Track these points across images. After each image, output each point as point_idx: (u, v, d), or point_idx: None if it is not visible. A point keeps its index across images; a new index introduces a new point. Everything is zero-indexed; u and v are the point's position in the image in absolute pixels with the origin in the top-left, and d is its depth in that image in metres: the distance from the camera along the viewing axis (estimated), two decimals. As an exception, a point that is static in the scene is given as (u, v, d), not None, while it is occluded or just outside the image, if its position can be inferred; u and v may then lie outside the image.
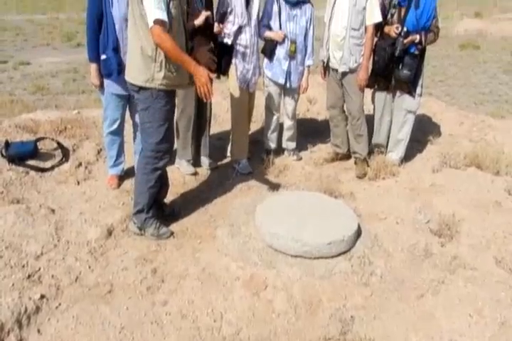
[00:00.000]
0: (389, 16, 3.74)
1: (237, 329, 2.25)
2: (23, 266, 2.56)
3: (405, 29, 3.60)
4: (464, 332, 2.11)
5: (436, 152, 4.42)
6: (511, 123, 5.40)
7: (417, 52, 3.72)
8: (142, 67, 2.63)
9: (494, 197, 3.42)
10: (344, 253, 2.79)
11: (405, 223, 3.22)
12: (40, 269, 2.57)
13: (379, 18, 3.68)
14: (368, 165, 4.07)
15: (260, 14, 3.79)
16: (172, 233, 3.04)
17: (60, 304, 2.36)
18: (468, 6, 24.47)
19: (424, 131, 4.95)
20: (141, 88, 2.68)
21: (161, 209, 3.20)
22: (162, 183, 3.10)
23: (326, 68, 4.04)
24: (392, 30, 3.63)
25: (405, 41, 3.60)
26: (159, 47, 2.52)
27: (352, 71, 3.83)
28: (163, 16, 2.44)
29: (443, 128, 5.17)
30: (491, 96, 7.95)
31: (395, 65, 3.76)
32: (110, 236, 2.97)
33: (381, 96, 4.04)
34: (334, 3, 3.77)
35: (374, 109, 4.18)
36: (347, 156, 4.37)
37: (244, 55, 3.68)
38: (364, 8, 3.64)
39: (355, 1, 3.64)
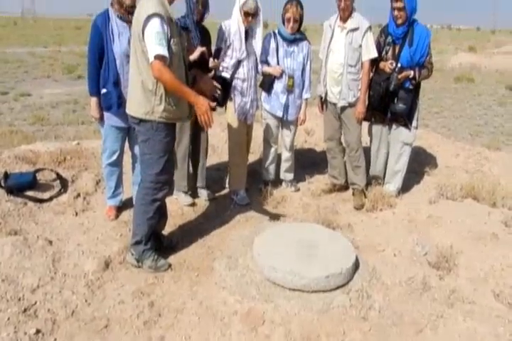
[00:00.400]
0: (384, 53, 3.88)
1: (235, 366, 2.21)
2: (19, 300, 2.54)
3: (399, 65, 3.73)
4: (465, 369, 2.08)
5: (433, 183, 4.46)
6: (507, 155, 5.49)
7: (411, 87, 3.83)
8: (142, 100, 2.69)
9: (491, 229, 3.43)
10: (342, 286, 2.77)
11: (403, 255, 3.22)
12: (36, 303, 2.54)
13: (375, 54, 3.81)
14: (366, 197, 4.10)
15: (260, 49, 3.86)
16: (170, 265, 3.01)
17: (55, 339, 2.32)
18: (462, 41, 25.18)
19: (420, 163, 5.01)
20: (141, 120, 2.74)
21: (159, 241, 3.19)
22: (161, 214, 3.10)
23: (324, 102, 4.14)
24: (387, 65, 3.76)
25: (399, 76, 3.71)
26: (159, 80, 2.58)
27: (351, 105, 3.94)
28: (164, 52, 2.52)
29: (439, 159, 5.24)
30: (487, 128, 8.10)
31: (390, 99, 3.85)
32: (107, 269, 2.95)
33: (377, 129, 4.12)
34: (330, 40, 3.89)
35: (370, 142, 4.25)
36: (345, 187, 4.41)
37: (242, 88, 3.77)
38: (360, 46, 3.77)
39: (351, 38, 3.76)
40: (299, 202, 4.19)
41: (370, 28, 3.79)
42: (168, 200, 3.91)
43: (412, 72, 3.73)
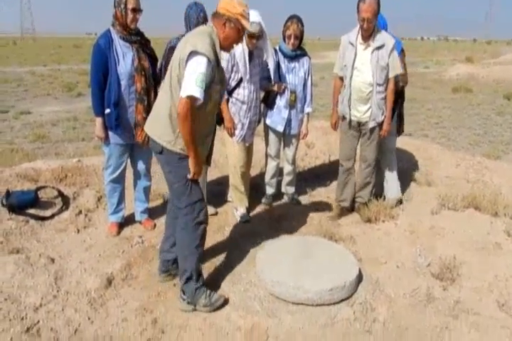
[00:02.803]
0: None
1: (239, 382, 2.19)
2: (22, 319, 2.53)
3: None
4: (471, 382, 2.06)
5: (434, 194, 4.45)
6: (506, 164, 5.49)
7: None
8: (168, 126, 2.58)
9: (494, 239, 3.42)
10: (346, 299, 2.76)
11: (406, 267, 3.21)
12: (39, 322, 2.53)
13: (400, 69, 3.76)
14: (369, 209, 4.09)
15: (272, 68, 3.89)
16: (225, 299, 2.77)
17: (58, 358, 2.32)
18: (459, 52, 25.41)
19: (421, 173, 5.02)
20: (163, 149, 2.62)
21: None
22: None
23: (343, 120, 4.00)
24: None
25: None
26: (178, 119, 2.47)
27: (379, 124, 3.88)
28: (200, 95, 2.40)
29: (440, 169, 5.24)
30: (486, 137, 8.12)
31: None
32: (110, 286, 2.94)
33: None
34: (354, 60, 3.73)
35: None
36: (351, 208, 4.25)
37: (240, 110, 3.76)
38: (387, 64, 3.67)
39: (377, 57, 3.65)
40: (301, 216, 4.19)
41: (395, 45, 3.70)
42: (169, 216, 3.95)
43: None
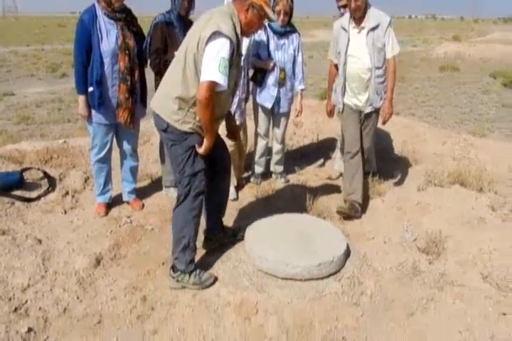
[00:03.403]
0: None
1: (229, 355, 2.22)
2: (10, 299, 2.52)
3: None
4: (455, 349, 2.12)
5: (420, 171, 4.49)
6: (492, 141, 5.56)
7: None
8: (176, 106, 2.49)
9: (478, 214, 3.48)
10: (334, 274, 2.79)
11: (393, 242, 3.26)
12: (27, 302, 2.52)
13: (399, 48, 3.56)
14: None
15: (249, 49, 3.79)
16: (215, 278, 2.75)
17: (48, 337, 2.32)
18: (446, 30, 25.34)
19: (408, 151, 5.05)
20: (168, 126, 2.55)
21: (222, 231, 3.16)
22: (220, 202, 3.06)
23: (343, 112, 3.76)
24: None
25: None
26: (198, 104, 2.39)
27: (376, 110, 3.69)
28: (223, 82, 2.33)
29: (427, 147, 5.28)
30: (472, 116, 8.17)
31: None
32: (99, 265, 2.94)
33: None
34: (347, 46, 3.53)
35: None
36: (364, 216, 3.77)
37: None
38: (384, 44, 3.47)
39: (372, 39, 3.44)
40: (290, 194, 4.20)
41: (390, 22, 3.48)
42: (157, 195, 3.94)
43: None
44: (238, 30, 2.44)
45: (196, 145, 2.59)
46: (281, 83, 4.01)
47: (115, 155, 3.73)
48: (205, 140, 2.57)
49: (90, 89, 3.22)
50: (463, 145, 5.23)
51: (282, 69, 3.97)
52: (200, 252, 3.14)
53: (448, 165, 4.52)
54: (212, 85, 2.32)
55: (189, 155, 2.60)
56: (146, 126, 5.54)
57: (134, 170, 3.77)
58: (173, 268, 2.75)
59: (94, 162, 3.54)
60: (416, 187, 4.13)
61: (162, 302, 2.60)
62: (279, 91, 4.04)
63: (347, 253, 2.97)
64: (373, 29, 3.44)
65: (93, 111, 3.32)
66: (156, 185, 4.11)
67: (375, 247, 3.20)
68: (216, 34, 2.31)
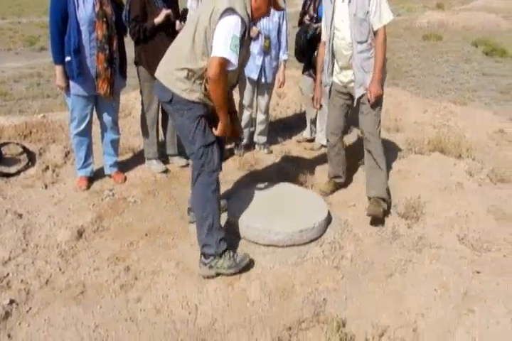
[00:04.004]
0: (307, 7, 4.00)
1: (212, 319, 2.27)
2: (-9, 273, 2.52)
3: (319, 16, 3.79)
4: (430, 305, 2.20)
5: (402, 139, 4.53)
6: (472, 109, 5.59)
7: None
8: (184, 77, 2.44)
9: (456, 179, 3.54)
10: (315, 239, 2.85)
11: (374, 208, 3.29)
12: (8, 274, 2.52)
13: (390, 16, 3.03)
14: (385, 209, 3.23)
15: None
16: (251, 259, 2.61)
17: (30, 308, 2.33)
18: (429, -2, 24.93)
19: (390, 119, 5.07)
20: (174, 97, 2.48)
21: None
22: None
23: (330, 93, 3.42)
24: (306, 17, 3.90)
25: (315, 26, 3.84)
26: (210, 82, 2.35)
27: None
28: (234, 60, 2.31)
29: (408, 116, 5.30)
30: (454, 85, 8.18)
31: (311, 52, 4.01)
32: (81, 238, 2.94)
33: (307, 81, 4.31)
34: (332, 19, 3.14)
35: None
36: (345, 184, 3.74)
37: None
38: (366, 13, 2.97)
39: (356, 8, 2.98)
40: (273, 164, 4.21)
41: None
42: (140, 168, 3.91)
43: None
44: (249, 12, 2.40)
45: (213, 129, 2.56)
46: (266, 51, 3.96)
47: (96, 129, 3.67)
48: (220, 119, 2.52)
49: (68, 58, 3.13)
50: (443, 113, 5.27)
51: (267, 37, 3.90)
52: (182, 220, 3.16)
53: (428, 133, 4.56)
54: (224, 62, 2.30)
55: (198, 125, 2.52)
56: (128, 98, 5.46)
57: (115, 143, 3.72)
58: (204, 254, 2.57)
59: (74, 135, 3.48)
60: (397, 154, 4.17)
61: (145, 272, 2.62)
62: (263, 60, 3.99)
63: (328, 220, 3.02)
64: None
65: (71, 83, 3.24)
66: (138, 158, 4.07)
67: (357, 214, 3.26)
68: (229, 11, 2.28)
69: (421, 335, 2.09)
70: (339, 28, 3.11)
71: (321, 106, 3.62)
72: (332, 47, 3.21)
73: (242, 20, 2.32)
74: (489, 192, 3.38)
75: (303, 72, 4.43)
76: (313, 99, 3.59)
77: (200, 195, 2.58)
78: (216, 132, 2.57)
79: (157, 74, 2.60)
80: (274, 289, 2.43)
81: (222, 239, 2.57)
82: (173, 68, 2.47)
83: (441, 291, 2.24)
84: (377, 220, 3.12)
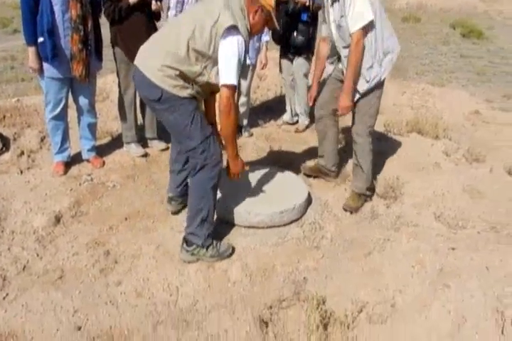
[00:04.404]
0: None
1: (194, 301, 2.28)
2: (-35, 260, 2.47)
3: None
4: (408, 282, 2.24)
5: (380, 121, 4.54)
6: (449, 90, 5.65)
7: (309, 20, 4.05)
8: (175, 74, 2.30)
9: (434, 160, 3.60)
10: (296, 220, 2.87)
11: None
12: (-17, 261, 2.48)
13: (368, 17, 2.68)
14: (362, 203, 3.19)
15: None
16: (233, 248, 2.62)
17: (7, 294, 2.29)
18: (408, -20, 24.80)
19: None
20: (163, 95, 2.32)
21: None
22: None
23: (328, 78, 3.27)
24: None
25: (296, 1, 3.92)
26: (220, 116, 2.29)
27: (363, 95, 2.98)
28: (236, 82, 2.27)
29: (387, 98, 5.29)
30: (432, 67, 8.23)
31: (291, 33, 4.11)
32: (59, 223, 2.90)
33: (286, 63, 4.41)
34: (328, 19, 2.97)
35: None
36: (334, 174, 3.53)
37: None
38: (342, 17, 2.75)
39: (339, 11, 2.76)
40: (253, 147, 4.19)
41: None
42: (119, 152, 3.86)
43: (307, 0, 3.88)
44: (248, 28, 2.33)
45: (231, 166, 2.55)
46: None
47: (73, 113, 3.59)
48: (229, 162, 2.50)
49: (41, 39, 3.02)
50: (421, 94, 5.32)
51: None
52: (162, 203, 3.13)
53: (407, 115, 4.61)
54: (234, 89, 2.28)
55: (193, 120, 2.39)
56: (105, 81, 5.34)
57: (92, 127, 3.64)
58: (187, 241, 2.55)
59: (49, 119, 3.40)
60: (376, 136, 4.19)
61: (125, 256, 2.61)
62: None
63: (309, 201, 3.04)
64: (335, 0, 2.77)
65: (45, 65, 3.14)
66: (116, 142, 4.01)
67: (337, 195, 3.28)
68: (233, 30, 2.22)
69: (399, 311, 2.14)
70: (332, 29, 2.97)
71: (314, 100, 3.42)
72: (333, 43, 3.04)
73: (244, 40, 2.27)
74: (465, 171, 3.45)
75: (281, 56, 4.42)
76: (310, 98, 3.41)
77: (200, 188, 2.51)
78: (229, 177, 2.59)
79: (138, 62, 2.41)
80: (255, 269, 2.45)
81: (211, 234, 2.56)
82: (160, 64, 2.29)
83: (418, 268, 2.29)
84: (350, 208, 3.08)
